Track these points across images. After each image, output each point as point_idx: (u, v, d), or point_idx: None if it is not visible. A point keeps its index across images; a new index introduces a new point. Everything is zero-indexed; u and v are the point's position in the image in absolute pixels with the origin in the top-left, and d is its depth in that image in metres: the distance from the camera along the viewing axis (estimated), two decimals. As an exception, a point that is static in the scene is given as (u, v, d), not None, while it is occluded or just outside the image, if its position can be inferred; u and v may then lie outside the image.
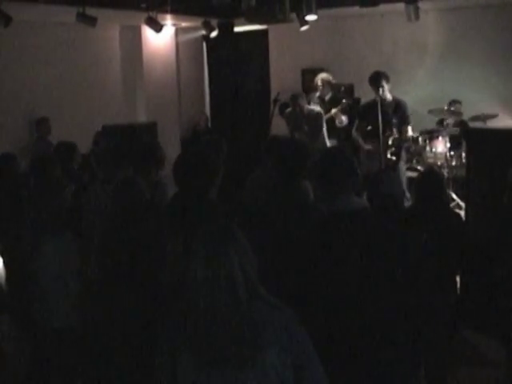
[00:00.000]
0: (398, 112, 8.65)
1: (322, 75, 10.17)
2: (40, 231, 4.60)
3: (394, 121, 8.63)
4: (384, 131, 8.50)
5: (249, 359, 2.52)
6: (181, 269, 2.62)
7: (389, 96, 8.64)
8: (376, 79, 8.57)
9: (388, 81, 8.59)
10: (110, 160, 5.93)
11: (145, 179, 5.54)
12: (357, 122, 9.06)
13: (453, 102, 10.42)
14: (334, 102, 9.79)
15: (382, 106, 8.47)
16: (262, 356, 2.53)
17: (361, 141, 8.83)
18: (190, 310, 2.55)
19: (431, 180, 4.87)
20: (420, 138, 9.95)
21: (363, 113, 8.88)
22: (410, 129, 8.79)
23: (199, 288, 2.52)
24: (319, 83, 9.98)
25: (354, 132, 9.05)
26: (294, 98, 8.97)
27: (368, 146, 8.66)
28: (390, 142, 8.61)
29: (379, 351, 3.45)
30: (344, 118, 9.70)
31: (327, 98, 9.93)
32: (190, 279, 2.56)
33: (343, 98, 10.09)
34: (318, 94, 9.92)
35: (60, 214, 4.66)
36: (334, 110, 9.67)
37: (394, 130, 8.63)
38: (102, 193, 5.50)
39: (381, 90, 8.45)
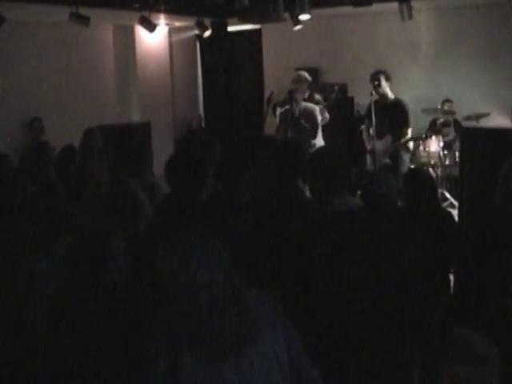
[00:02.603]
0: (399, 113, 8.66)
1: (299, 73, 10.16)
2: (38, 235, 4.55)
3: (394, 123, 8.63)
4: (382, 133, 8.55)
5: (251, 344, 2.56)
6: (166, 270, 2.61)
7: (390, 95, 8.66)
8: (374, 75, 8.63)
9: (387, 79, 8.63)
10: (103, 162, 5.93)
11: (139, 180, 5.54)
12: (367, 120, 9.07)
13: (445, 102, 10.47)
14: (310, 100, 9.68)
15: (383, 105, 8.54)
16: (262, 339, 2.58)
17: (369, 140, 8.85)
18: (181, 310, 2.56)
19: (418, 180, 4.88)
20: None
21: (369, 112, 8.85)
22: (409, 131, 8.80)
23: (186, 290, 2.53)
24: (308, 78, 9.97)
25: (364, 131, 9.06)
26: (291, 93, 8.93)
27: (369, 147, 8.66)
28: (388, 145, 8.65)
29: (373, 350, 3.46)
30: (327, 115, 9.69)
31: (306, 95, 9.89)
32: (174, 282, 2.56)
33: (327, 96, 10.14)
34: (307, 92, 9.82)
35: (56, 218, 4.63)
36: (320, 106, 9.66)
37: (392, 133, 8.66)
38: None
39: (376, 83, 8.51)
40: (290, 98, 8.82)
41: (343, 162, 3.78)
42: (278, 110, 9.29)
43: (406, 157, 8.93)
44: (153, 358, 2.61)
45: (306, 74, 9.87)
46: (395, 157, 8.72)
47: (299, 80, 9.63)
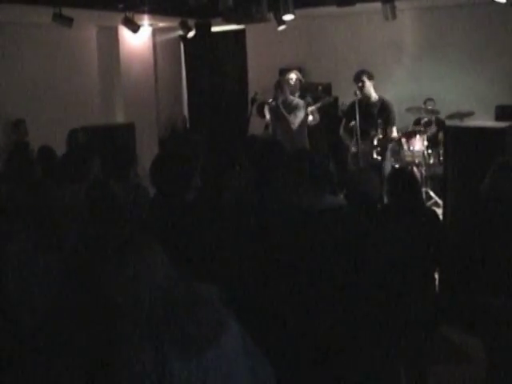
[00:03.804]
0: (383, 112, 8.65)
1: (296, 72, 10.19)
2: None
3: (379, 121, 8.63)
4: (369, 131, 8.55)
5: (226, 330, 2.62)
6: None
7: (374, 95, 8.65)
8: (357, 76, 8.61)
9: (370, 78, 8.60)
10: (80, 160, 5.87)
11: (123, 182, 5.51)
12: (344, 121, 9.02)
13: (427, 100, 10.53)
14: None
15: (366, 105, 8.52)
16: (230, 323, 2.66)
17: (348, 141, 8.84)
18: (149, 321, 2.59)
19: (402, 179, 4.89)
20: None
21: (349, 111, 8.81)
22: (394, 129, 8.81)
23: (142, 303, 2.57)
24: (292, 76, 9.97)
25: (341, 131, 9.03)
26: (279, 83, 8.96)
27: (354, 148, 8.66)
28: (375, 143, 8.65)
29: (360, 348, 3.46)
30: (318, 116, 9.73)
31: (296, 95, 9.90)
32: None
33: (319, 97, 10.17)
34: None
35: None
36: (311, 107, 9.68)
37: (379, 131, 8.64)
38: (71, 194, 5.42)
39: (360, 84, 8.50)
40: (277, 86, 8.88)
41: (323, 162, 3.80)
42: (267, 108, 9.32)
43: (388, 153, 8.92)
44: (141, 370, 2.59)
45: (300, 75, 9.95)
46: (383, 152, 8.74)
47: (297, 79, 9.77)
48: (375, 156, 8.63)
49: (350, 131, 8.72)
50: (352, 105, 8.68)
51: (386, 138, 8.65)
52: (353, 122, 8.61)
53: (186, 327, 2.55)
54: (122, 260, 2.61)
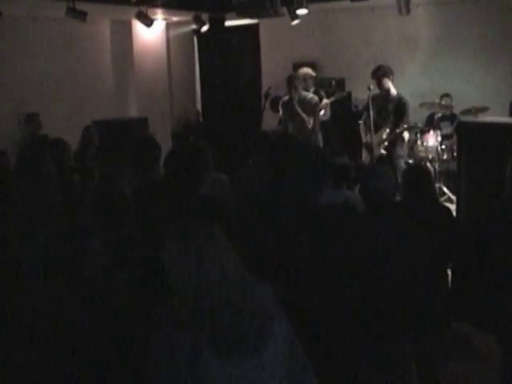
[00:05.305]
0: (398, 110, 8.69)
1: (307, 69, 10.13)
2: (29, 226, 4.54)
3: (392, 117, 8.67)
4: (381, 125, 8.59)
5: (269, 340, 2.54)
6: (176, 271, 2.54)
7: (393, 91, 8.71)
8: (372, 73, 8.69)
9: (385, 75, 8.65)
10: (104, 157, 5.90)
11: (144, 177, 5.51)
12: (365, 114, 9.10)
13: (443, 96, 10.46)
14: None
15: (382, 100, 8.59)
16: (276, 332, 2.56)
17: (363, 133, 8.97)
18: (196, 310, 2.51)
19: (416, 175, 4.88)
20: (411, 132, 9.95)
21: (366, 106, 8.92)
22: (405, 127, 8.83)
23: (199, 290, 2.49)
24: (304, 72, 9.91)
25: (362, 125, 9.14)
26: (291, 78, 8.94)
27: (366, 139, 8.79)
28: (384, 137, 8.67)
29: (369, 344, 3.46)
30: (329, 112, 9.72)
31: (311, 90, 9.87)
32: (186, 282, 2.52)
33: (332, 92, 10.18)
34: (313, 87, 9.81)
35: (51, 209, 4.61)
36: (325, 101, 9.66)
37: (389, 126, 8.69)
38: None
39: (376, 81, 8.58)
40: (289, 84, 8.85)
41: (323, 157, 3.79)
42: (280, 103, 9.32)
43: (401, 150, 8.93)
44: (172, 359, 2.54)
45: (310, 70, 9.91)
46: (391, 147, 8.75)
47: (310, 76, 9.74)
48: (382, 150, 8.68)
49: (368, 125, 8.81)
50: (372, 98, 8.76)
51: (395, 133, 8.70)
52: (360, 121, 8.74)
53: (230, 329, 2.45)
54: (184, 247, 2.52)
